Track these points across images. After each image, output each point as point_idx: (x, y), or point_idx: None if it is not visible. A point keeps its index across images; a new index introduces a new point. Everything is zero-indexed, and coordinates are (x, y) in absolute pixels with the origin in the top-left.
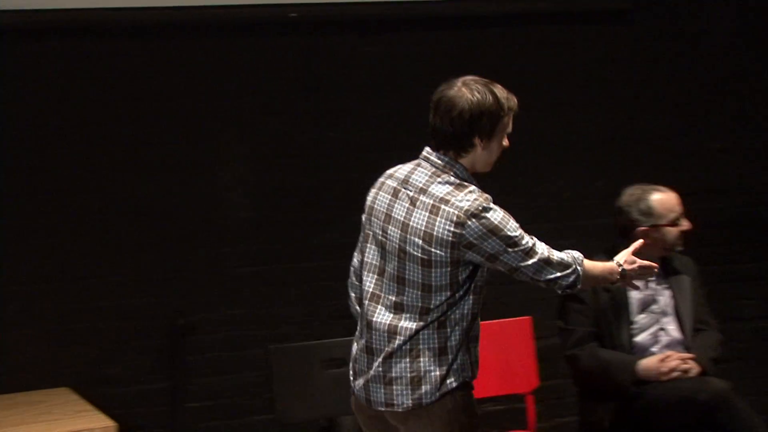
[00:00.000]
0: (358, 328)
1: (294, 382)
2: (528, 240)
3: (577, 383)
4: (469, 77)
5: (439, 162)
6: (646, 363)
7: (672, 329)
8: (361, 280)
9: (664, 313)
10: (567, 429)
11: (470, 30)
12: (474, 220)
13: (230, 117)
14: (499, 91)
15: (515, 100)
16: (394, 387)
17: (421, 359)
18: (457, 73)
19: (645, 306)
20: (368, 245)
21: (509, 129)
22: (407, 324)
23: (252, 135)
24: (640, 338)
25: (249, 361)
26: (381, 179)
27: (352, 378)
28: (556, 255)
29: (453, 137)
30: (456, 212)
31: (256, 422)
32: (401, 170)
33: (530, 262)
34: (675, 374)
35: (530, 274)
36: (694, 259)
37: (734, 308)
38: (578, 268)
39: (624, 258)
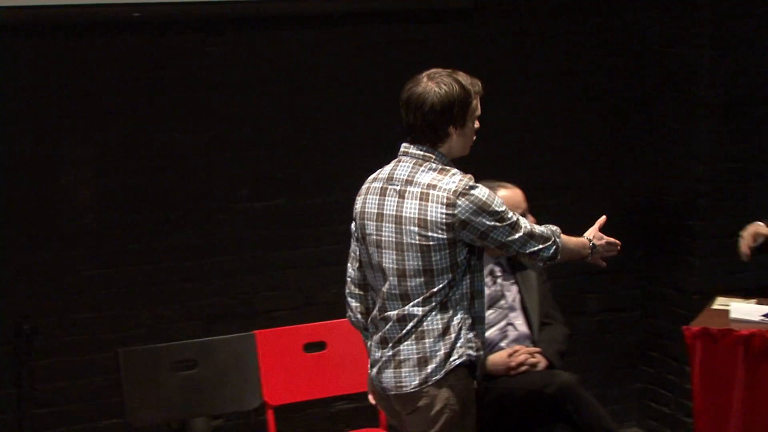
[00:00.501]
0: (369, 324)
1: (143, 385)
2: (512, 215)
3: None
4: (432, 70)
5: (419, 153)
6: (495, 358)
7: (519, 324)
8: (364, 289)
9: (511, 309)
10: None
11: (316, 29)
12: (463, 198)
13: (75, 118)
14: (463, 78)
15: (479, 83)
16: (403, 369)
17: (426, 340)
18: (303, 73)
19: (493, 302)
20: (367, 249)
21: (478, 112)
22: (414, 310)
23: (97, 136)
24: (489, 334)
25: (97, 365)
26: (366, 185)
27: (370, 368)
28: (538, 229)
29: (428, 130)
30: (445, 195)
31: (105, 426)
32: (383, 171)
33: (516, 236)
34: (523, 368)
35: (516, 248)
36: None
37: (579, 302)
38: (557, 240)
39: (593, 234)
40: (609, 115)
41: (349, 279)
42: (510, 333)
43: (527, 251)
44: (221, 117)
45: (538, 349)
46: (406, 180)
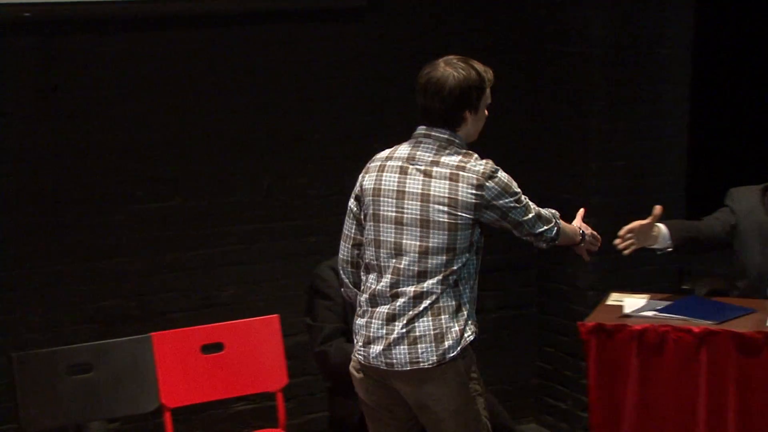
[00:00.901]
0: (363, 302)
1: (38, 390)
2: (524, 197)
3: (327, 379)
4: (449, 57)
5: (442, 137)
6: None
7: None
8: (356, 266)
9: None
10: (317, 425)
11: (209, 29)
12: (490, 181)
13: None
14: (478, 65)
15: (491, 72)
16: (419, 345)
17: (442, 317)
18: (197, 74)
19: None
20: (377, 226)
21: (489, 100)
22: (432, 288)
23: None
24: None
25: None
26: (376, 163)
27: (361, 346)
28: (543, 211)
29: (446, 114)
30: (474, 176)
31: None
32: (399, 151)
33: (529, 216)
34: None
35: (528, 228)
36: None
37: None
38: (558, 222)
39: (579, 224)
40: (503, 113)
41: (341, 258)
42: None
43: (536, 231)
44: (114, 117)
45: None
46: (432, 161)
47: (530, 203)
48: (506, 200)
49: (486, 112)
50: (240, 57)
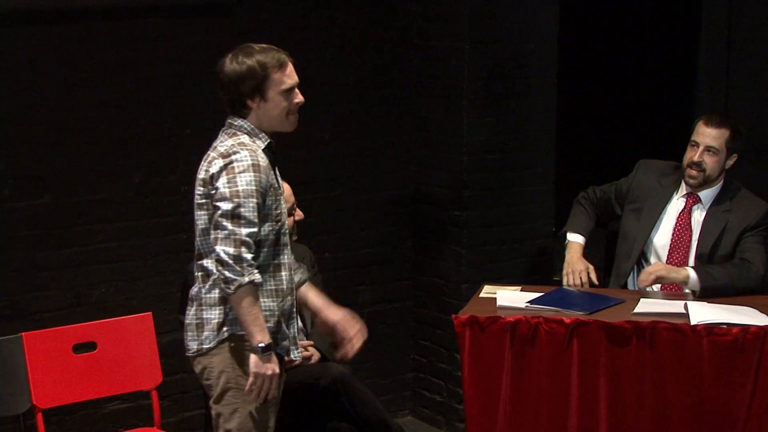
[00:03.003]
0: None
1: None
2: (245, 203)
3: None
4: (244, 45)
5: (234, 123)
6: None
7: None
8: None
9: None
10: (193, 422)
11: (80, 24)
12: (220, 159)
13: None
14: (260, 54)
15: (279, 56)
16: (193, 332)
17: (206, 306)
18: (67, 69)
19: None
20: None
21: (286, 85)
22: (199, 271)
23: None
24: None
25: None
26: None
27: None
28: (244, 251)
29: (230, 102)
30: (213, 154)
31: None
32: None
33: (227, 222)
34: (297, 362)
35: (219, 236)
36: (310, 247)
37: (351, 294)
38: (246, 280)
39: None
40: (376, 107)
41: None
42: None
43: (219, 251)
44: None
45: (310, 342)
46: (214, 146)
47: (245, 221)
48: (221, 181)
49: (298, 98)
50: (109, 52)
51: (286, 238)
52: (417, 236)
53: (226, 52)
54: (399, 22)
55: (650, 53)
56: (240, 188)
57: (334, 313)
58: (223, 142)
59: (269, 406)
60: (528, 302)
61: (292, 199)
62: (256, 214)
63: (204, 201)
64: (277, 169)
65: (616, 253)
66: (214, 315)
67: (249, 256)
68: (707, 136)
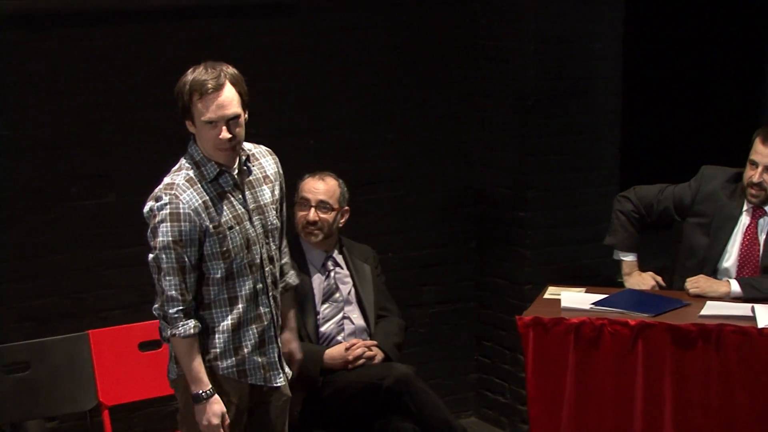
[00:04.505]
0: None
1: None
2: (163, 256)
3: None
4: (210, 61)
5: (188, 147)
6: (332, 352)
7: (356, 317)
8: None
9: (347, 302)
10: None
11: (143, 24)
12: (150, 202)
13: None
14: (197, 75)
15: (208, 83)
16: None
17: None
18: (130, 69)
19: (327, 296)
20: None
21: (205, 116)
22: None
23: None
24: (326, 328)
25: None
26: None
27: None
28: (171, 297)
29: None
30: (152, 193)
31: None
32: None
33: (153, 275)
34: (360, 362)
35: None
36: (374, 248)
37: (414, 295)
38: (176, 329)
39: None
40: (439, 108)
41: None
42: (346, 326)
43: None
44: (48, 113)
45: (374, 342)
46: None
47: (164, 267)
48: (149, 228)
49: (224, 134)
50: (174, 52)
51: (244, 270)
52: (480, 237)
53: (289, 52)
54: (464, 22)
55: (716, 53)
56: (159, 239)
57: (289, 339)
58: (167, 176)
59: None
60: (592, 304)
61: (336, 194)
62: (176, 265)
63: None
64: (252, 184)
65: (682, 262)
66: (171, 348)
67: (173, 309)
68: (766, 155)
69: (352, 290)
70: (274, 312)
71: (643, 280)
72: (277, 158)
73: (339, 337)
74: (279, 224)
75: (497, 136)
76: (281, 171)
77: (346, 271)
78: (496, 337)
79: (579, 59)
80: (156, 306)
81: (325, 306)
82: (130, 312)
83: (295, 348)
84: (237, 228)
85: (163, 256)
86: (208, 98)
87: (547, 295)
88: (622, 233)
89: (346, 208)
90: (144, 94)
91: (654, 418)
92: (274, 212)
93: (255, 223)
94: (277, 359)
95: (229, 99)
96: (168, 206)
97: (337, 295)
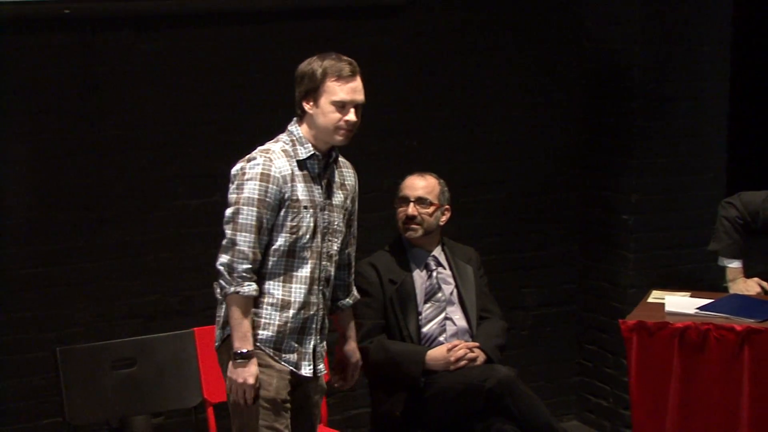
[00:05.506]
0: None
1: (83, 384)
2: (245, 211)
3: (368, 375)
4: (329, 52)
5: (288, 126)
6: (434, 353)
7: (458, 318)
8: None
9: (449, 303)
10: (359, 421)
11: (250, 25)
12: (241, 162)
13: (7, 116)
14: (328, 61)
15: (345, 68)
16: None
17: (222, 306)
18: (237, 70)
19: (430, 296)
20: None
21: (338, 96)
22: None
23: (30, 134)
24: (428, 328)
25: (36, 364)
26: None
27: None
28: (243, 253)
29: (295, 103)
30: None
31: (45, 425)
32: None
33: (227, 230)
34: (462, 363)
35: (223, 242)
36: (477, 249)
37: (516, 297)
38: (234, 288)
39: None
40: (544, 109)
41: None
42: (448, 327)
43: (218, 258)
44: (154, 114)
45: (476, 344)
46: None
47: (243, 225)
48: (231, 187)
49: (350, 116)
50: (281, 53)
51: (306, 253)
52: (584, 240)
53: (396, 53)
54: (570, 23)
55: None
56: (244, 195)
57: (354, 347)
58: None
59: (272, 408)
60: (697, 308)
61: (436, 191)
62: (255, 223)
63: None
64: (331, 183)
65: None
66: (220, 315)
67: (243, 266)
68: None
69: (455, 291)
70: (321, 306)
71: (747, 287)
72: (356, 176)
73: (441, 338)
74: (344, 229)
75: (602, 139)
76: (357, 190)
77: (448, 271)
78: (598, 340)
79: (686, 61)
80: (224, 261)
81: (428, 306)
82: None
83: (359, 357)
84: (310, 210)
85: (245, 211)
86: (345, 81)
87: (651, 299)
88: (726, 240)
89: (447, 207)
90: (251, 95)
91: (762, 425)
92: (342, 217)
93: (324, 216)
94: (311, 352)
95: (361, 87)
96: (260, 166)
97: (440, 294)
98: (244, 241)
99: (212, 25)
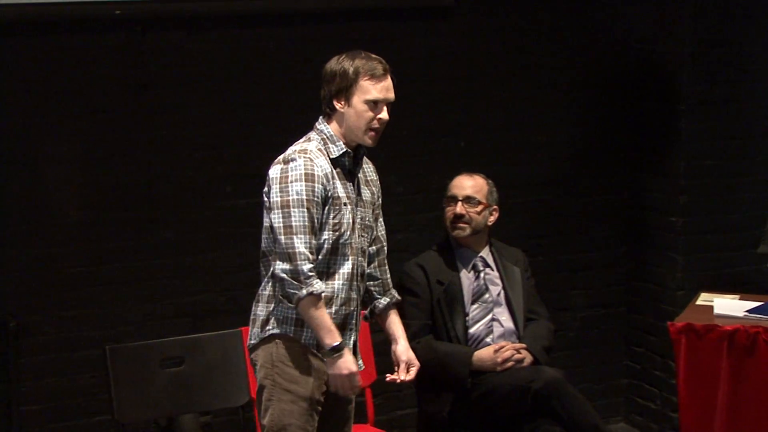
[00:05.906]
0: None
1: (132, 382)
2: (297, 213)
3: (415, 375)
4: (358, 50)
5: (315, 124)
6: (481, 354)
7: (505, 319)
8: None
9: (496, 304)
10: (406, 421)
11: (299, 26)
12: (280, 164)
13: (59, 116)
14: (360, 60)
15: (378, 67)
16: (251, 327)
17: (260, 303)
18: (286, 71)
19: (477, 297)
20: None
21: (372, 95)
22: (262, 269)
23: (81, 134)
24: (475, 329)
25: (85, 362)
26: None
27: None
28: (300, 249)
29: (323, 101)
30: (279, 156)
31: (94, 423)
32: None
33: (281, 237)
34: (509, 364)
35: (276, 248)
36: (524, 250)
37: (564, 298)
38: (306, 290)
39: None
40: (592, 110)
41: None
42: (496, 329)
43: (277, 269)
44: (204, 114)
45: (523, 345)
46: None
47: (300, 229)
48: (274, 189)
49: (384, 115)
50: (331, 55)
51: (347, 249)
52: (631, 241)
53: (443, 54)
54: (619, 25)
55: None
56: (292, 197)
57: (406, 347)
58: (294, 145)
59: (306, 406)
60: (747, 311)
61: (484, 190)
62: (308, 223)
63: (266, 199)
64: (358, 179)
65: None
66: (261, 312)
67: (306, 266)
68: None
69: (502, 292)
70: (358, 301)
71: None
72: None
73: (488, 339)
74: (373, 224)
75: (650, 140)
76: (379, 186)
77: (495, 272)
78: (646, 342)
79: (737, 63)
80: (285, 267)
81: (475, 307)
82: None
83: (413, 356)
84: (349, 207)
85: (296, 213)
86: (379, 80)
87: (699, 302)
88: None
89: (495, 207)
90: (300, 95)
91: None
92: (371, 212)
93: (357, 212)
94: (351, 346)
95: (392, 85)
96: (302, 167)
97: (487, 296)
98: (302, 242)
99: (262, 25)
